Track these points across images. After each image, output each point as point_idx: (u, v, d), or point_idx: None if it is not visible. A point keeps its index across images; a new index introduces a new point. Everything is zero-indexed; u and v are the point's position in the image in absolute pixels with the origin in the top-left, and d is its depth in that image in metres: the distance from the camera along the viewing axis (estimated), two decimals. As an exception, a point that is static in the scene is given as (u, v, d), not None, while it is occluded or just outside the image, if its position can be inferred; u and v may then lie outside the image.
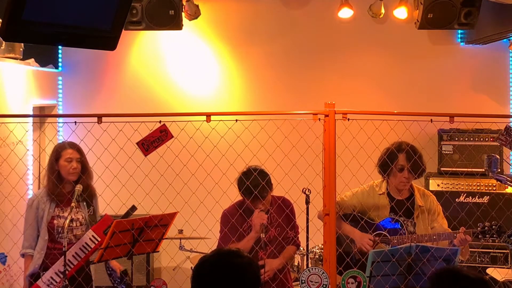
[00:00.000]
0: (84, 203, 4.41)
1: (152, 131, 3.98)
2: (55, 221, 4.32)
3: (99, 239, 4.20)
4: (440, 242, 4.24)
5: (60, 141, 4.56)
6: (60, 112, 6.57)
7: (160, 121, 3.98)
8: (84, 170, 4.37)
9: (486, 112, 5.99)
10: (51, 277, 4.12)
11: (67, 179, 4.35)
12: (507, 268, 5.56)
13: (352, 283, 3.83)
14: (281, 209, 4.52)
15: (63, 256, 3.98)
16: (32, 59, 5.81)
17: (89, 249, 4.22)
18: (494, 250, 5.78)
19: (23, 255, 4.39)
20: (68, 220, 4.09)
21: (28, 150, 5.00)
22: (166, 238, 4.66)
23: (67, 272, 4.04)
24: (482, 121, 4.23)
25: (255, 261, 2.56)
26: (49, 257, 4.28)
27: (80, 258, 4.22)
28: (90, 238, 4.23)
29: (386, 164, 4.35)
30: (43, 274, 4.19)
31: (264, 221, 4.31)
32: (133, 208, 4.36)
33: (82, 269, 4.31)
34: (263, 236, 4.25)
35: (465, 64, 6.67)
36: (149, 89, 6.70)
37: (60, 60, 6.65)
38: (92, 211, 4.47)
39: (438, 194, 4.65)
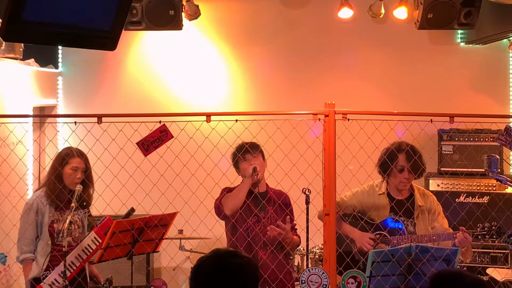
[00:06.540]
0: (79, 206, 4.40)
1: (152, 131, 3.98)
2: (55, 225, 4.32)
3: (100, 241, 4.19)
4: (441, 242, 4.24)
5: (66, 146, 4.50)
6: (60, 112, 6.56)
7: (160, 121, 3.98)
8: (86, 177, 4.37)
9: (486, 112, 5.98)
10: (55, 279, 4.11)
11: (68, 187, 4.34)
12: (507, 268, 5.56)
13: (352, 283, 3.83)
14: (276, 202, 4.48)
15: (65, 258, 3.98)
16: (32, 59, 5.81)
17: (91, 251, 4.22)
18: (494, 250, 5.77)
19: (21, 261, 4.32)
20: (68, 221, 4.08)
21: (28, 150, 5.00)
22: (166, 238, 4.66)
23: (69, 273, 4.04)
24: (482, 121, 4.22)
25: (253, 261, 2.55)
26: (51, 260, 4.26)
27: (82, 260, 4.22)
28: (92, 240, 4.22)
29: (386, 164, 4.35)
30: (44, 276, 4.19)
31: (255, 165, 4.34)
32: (132, 210, 4.35)
33: (82, 270, 4.31)
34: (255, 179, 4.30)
35: (465, 64, 6.66)
36: (149, 89, 6.69)
37: (60, 60, 6.65)
38: (88, 213, 4.47)
39: (438, 194, 4.65)
